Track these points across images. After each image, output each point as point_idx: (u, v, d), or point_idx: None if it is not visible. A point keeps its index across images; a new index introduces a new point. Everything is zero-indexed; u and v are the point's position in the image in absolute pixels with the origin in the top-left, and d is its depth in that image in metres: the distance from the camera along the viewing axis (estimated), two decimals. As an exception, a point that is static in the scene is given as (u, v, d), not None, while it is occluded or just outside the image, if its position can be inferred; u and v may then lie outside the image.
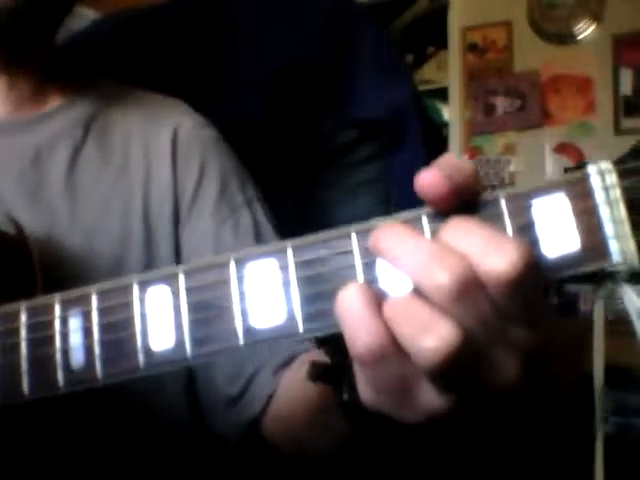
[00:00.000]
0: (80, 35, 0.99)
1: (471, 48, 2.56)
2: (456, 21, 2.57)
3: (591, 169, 0.35)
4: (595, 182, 0.34)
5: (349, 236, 0.38)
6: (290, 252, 0.39)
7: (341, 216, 0.96)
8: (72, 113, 0.73)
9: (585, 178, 0.35)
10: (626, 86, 2.33)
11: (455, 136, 2.55)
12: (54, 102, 0.74)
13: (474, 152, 2.53)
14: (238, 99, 0.94)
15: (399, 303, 0.36)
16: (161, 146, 0.74)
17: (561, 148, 2.41)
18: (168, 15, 1.01)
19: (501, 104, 2.51)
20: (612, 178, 0.34)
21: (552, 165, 2.40)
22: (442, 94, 2.63)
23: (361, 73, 0.99)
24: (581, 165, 0.34)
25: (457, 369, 0.34)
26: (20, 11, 0.66)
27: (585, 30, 2.37)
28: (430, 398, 0.37)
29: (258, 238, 0.73)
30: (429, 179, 0.36)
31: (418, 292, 0.35)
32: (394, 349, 0.35)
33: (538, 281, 0.34)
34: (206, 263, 0.40)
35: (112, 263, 0.68)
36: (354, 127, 0.99)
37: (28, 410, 0.44)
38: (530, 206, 0.35)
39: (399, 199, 0.94)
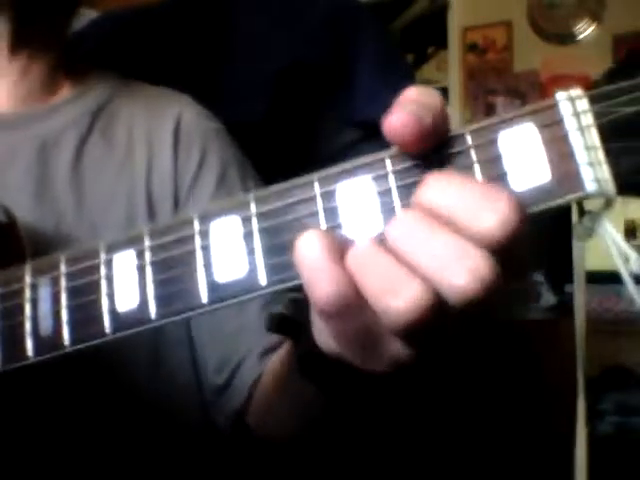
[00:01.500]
0: (80, 35, 0.98)
1: (471, 48, 2.56)
2: (456, 21, 2.57)
3: (560, 95, 0.33)
4: (565, 109, 0.32)
5: (312, 183, 0.37)
6: (253, 205, 0.38)
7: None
8: (80, 105, 0.74)
9: (554, 105, 0.33)
10: (626, 86, 2.33)
11: (455, 136, 2.55)
12: (62, 94, 0.74)
13: (474, 152, 2.53)
14: (239, 99, 0.94)
15: (365, 254, 0.34)
16: (163, 135, 0.74)
17: (561, 148, 2.40)
18: (168, 15, 1.02)
19: (501, 104, 2.50)
20: (583, 104, 0.32)
21: (552, 165, 2.40)
22: (442, 94, 2.62)
23: (362, 73, 0.99)
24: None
25: (426, 327, 0.32)
26: None
27: (585, 30, 2.36)
28: (396, 349, 0.35)
29: None
30: (399, 122, 0.34)
31: (381, 241, 0.33)
32: (357, 300, 0.33)
33: (526, 233, 0.32)
34: (171, 222, 0.40)
35: None
36: (355, 127, 0.99)
37: (32, 387, 0.45)
38: (496, 139, 0.33)
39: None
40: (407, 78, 1.04)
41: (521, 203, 0.31)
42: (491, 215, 0.31)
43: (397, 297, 0.32)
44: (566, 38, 2.40)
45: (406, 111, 0.34)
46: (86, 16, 1.15)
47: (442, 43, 2.64)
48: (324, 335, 0.38)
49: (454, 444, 1.56)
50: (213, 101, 0.81)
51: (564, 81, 2.40)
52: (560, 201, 0.32)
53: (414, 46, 2.70)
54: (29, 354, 0.41)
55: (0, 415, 0.55)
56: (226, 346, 0.69)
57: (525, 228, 0.31)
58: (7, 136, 0.70)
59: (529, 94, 2.45)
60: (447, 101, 2.62)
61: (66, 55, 0.76)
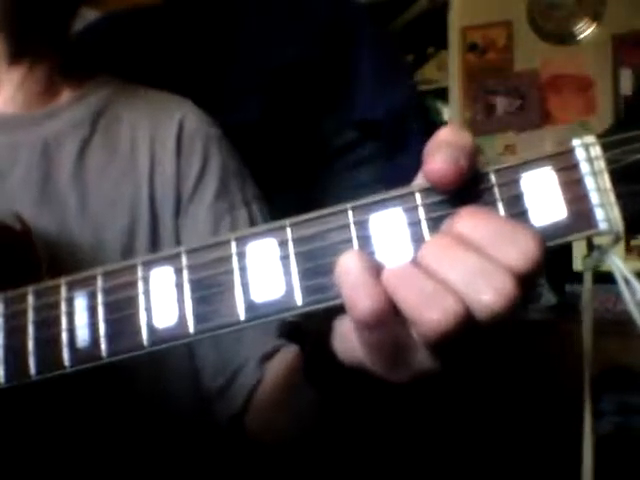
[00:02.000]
0: (79, 35, 0.99)
1: (471, 48, 2.56)
2: (456, 21, 2.57)
3: (576, 142, 0.36)
4: (580, 154, 0.36)
5: (345, 211, 0.39)
6: (289, 229, 0.40)
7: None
8: (81, 108, 0.74)
9: (570, 151, 0.36)
10: (626, 86, 2.34)
11: (455, 136, 2.55)
12: (63, 97, 0.75)
13: (474, 152, 2.54)
14: (238, 100, 0.95)
15: (403, 271, 0.37)
16: (167, 138, 0.75)
17: (561, 148, 2.41)
18: (167, 16, 1.02)
19: (501, 104, 2.51)
20: (596, 150, 0.35)
21: (552, 165, 2.41)
22: (442, 94, 2.64)
23: (362, 73, 0.99)
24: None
25: (457, 339, 0.35)
26: None
27: (585, 30, 2.37)
28: (423, 360, 0.38)
29: None
30: (438, 167, 0.37)
31: (417, 263, 0.37)
32: (393, 313, 0.37)
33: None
34: (208, 243, 0.42)
35: (120, 254, 0.69)
36: (354, 128, 1.00)
37: (35, 392, 0.46)
38: (519, 179, 0.37)
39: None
40: (405, 79, 1.06)
41: (543, 239, 0.35)
42: (516, 249, 0.35)
43: (432, 309, 0.35)
44: (566, 38, 2.41)
45: (444, 155, 0.37)
46: (86, 17, 1.16)
47: (442, 43, 2.64)
48: (351, 345, 0.40)
49: (455, 443, 1.58)
50: (212, 100, 0.82)
51: (564, 81, 2.42)
52: (574, 237, 0.36)
53: (414, 46, 2.70)
54: (66, 364, 0.43)
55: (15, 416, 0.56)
56: (224, 351, 0.70)
57: (544, 261, 0.35)
58: (8, 138, 0.71)
59: (529, 94, 2.46)
60: (447, 101, 2.64)
61: (67, 58, 0.76)
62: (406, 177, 0.99)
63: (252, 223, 0.75)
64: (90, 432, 0.65)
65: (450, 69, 2.61)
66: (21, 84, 0.72)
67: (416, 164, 1.05)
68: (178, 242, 0.73)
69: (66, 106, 0.74)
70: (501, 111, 2.52)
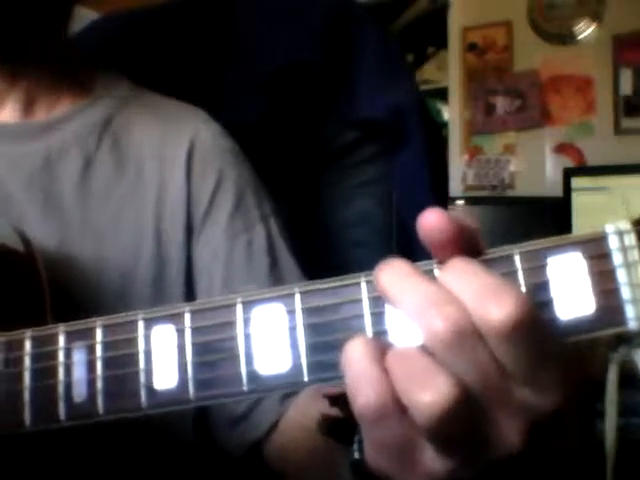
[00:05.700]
0: (78, 36, 0.98)
1: (471, 48, 2.56)
2: (456, 21, 2.57)
3: (609, 228, 0.34)
4: (613, 242, 0.33)
5: (359, 284, 0.37)
6: (298, 297, 0.38)
7: (341, 217, 0.97)
8: (85, 118, 0.72)
9: (603, 238, 0.34)
10: (626, 86, 2.34)
11: (455, 136, 2.56)
12: (67, 105, 0.72)
13: (474, 152, 2.54)
14: (238, 100, 0.93)
15: (398, 354, 0.35)
16: (176, 158, 0.73)
17: (561, 148, 2.41)
18: (167, 16, 1.01)
19: (501, 104, 2.51)
20: (631, 239, 0.33)
21: (552, 165, 2.41)
22: (442, 94, 2.64)
23: (362, 73, 0.98)
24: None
25: (455, 427, 0.33)
26: None
27: (585, 30, 2.37)
28: (431, 462, 0.35)
29: (271, 256, 0.72)
30: (433, 219, 0.35)
31: (423, 345, 0.34)
32: (395, 404, 0.34)
33: (543, 337, 0.33)
34: (213, 304, 0.40)
35: (122, 275, 0.68)
36: (355, 127, 0.99)
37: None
38: (545, 265, 0.34)
39: (400, 200, 0.94)
40: (407, 78, 1.05)
41: (529, 302, 0.32)
42: (495, 306, 0.32)
43: (425, 390, 0.33)
44: (566, 38, 2.40)
45: (443, 212, 0.35)
46: (86, 17, 1.15)
47: (442, 43, 2.64)
48: (365, 441, 0.38)
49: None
50: (212, 102, 0.81)
51: (564, 81, 2.41)
52: (600, 333, 0.33)
53: (414, 46, 2.70)
54: (61, 418, 0.41)
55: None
56: None
57: (535, 327, 0.32)
58: (11, 148, 0.69)
59: (529, 94, 2.46)
60: (447, 101, 2.63)
61: (68, 59, 0.74)
62: (409, 175, 0.97)
63: (269, 240, 0.73)
64: (79, 454, 0.61)
65: (450, 69, 2.60)
66: (22, 89, 0.70)
67: (419, 162, 1.03)
68: (189, 265, 0.71)
69: (69, 116, 0.72)
70: (501, 111, 2.52)
